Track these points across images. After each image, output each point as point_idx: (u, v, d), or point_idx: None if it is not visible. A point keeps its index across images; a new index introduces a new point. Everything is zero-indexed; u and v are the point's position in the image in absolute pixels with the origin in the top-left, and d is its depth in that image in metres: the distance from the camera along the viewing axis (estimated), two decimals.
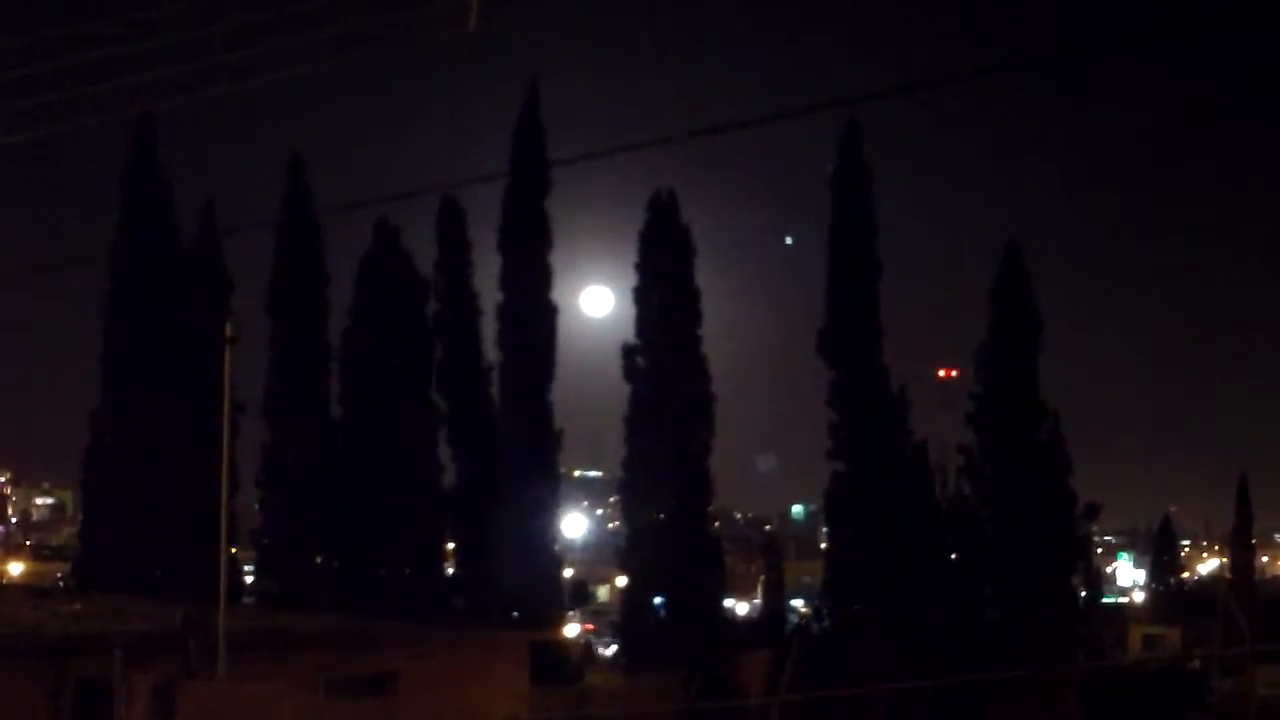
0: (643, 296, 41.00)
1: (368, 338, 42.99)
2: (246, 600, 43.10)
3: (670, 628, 39.59)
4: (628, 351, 40.89)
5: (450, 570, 42.98)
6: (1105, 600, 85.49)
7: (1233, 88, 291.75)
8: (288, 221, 43.65)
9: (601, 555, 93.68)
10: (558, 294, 42.06)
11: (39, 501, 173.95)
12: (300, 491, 42.76)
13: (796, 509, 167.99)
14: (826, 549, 43.76)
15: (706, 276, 42.18)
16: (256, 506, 45.03)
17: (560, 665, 39.03)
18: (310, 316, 44.21)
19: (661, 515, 39.98)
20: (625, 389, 40.98)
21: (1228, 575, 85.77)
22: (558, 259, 42.34)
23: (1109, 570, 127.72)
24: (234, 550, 41.58)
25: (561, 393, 42.21)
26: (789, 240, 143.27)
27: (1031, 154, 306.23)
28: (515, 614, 38.51)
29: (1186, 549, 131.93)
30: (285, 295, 43.86)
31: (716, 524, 43.93)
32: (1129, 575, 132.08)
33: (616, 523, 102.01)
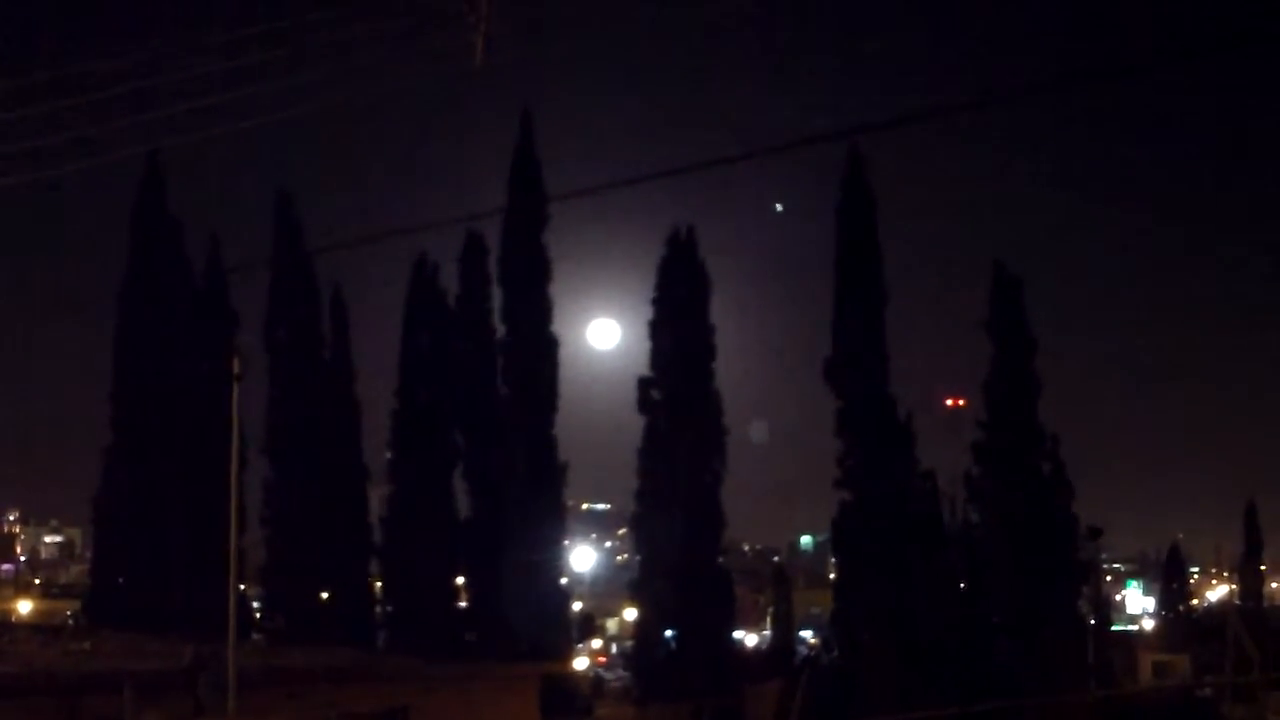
0: (659, 330, 41.09)
1: (355, 371, 43.59)
2: (255, 636, 43.12)
3: (680, 659, 39.54)
4: (643, 384, 40.96)
5: (462, 604, 43.03)
6: (1115, 628, 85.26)
7: (1231, 110, 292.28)
8: (277, 257, 43.80)
9: (610, 588, 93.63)
10: (564, 326, 42.22)
11: (48, 540, 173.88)
12: (304, 527, 42.90)
13: (805, 540, 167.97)
14: (835, 578, 43.68)
15: (714, 306, 42.34)
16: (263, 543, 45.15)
17: (570, 698, 39.01)
18: (304, 351, 44.39)
19: (673, 547, 39.95)
20: (632, 421, 41.07)
21: (1237, 602, 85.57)
22: (564, 291, 42.52)
23: (1118, 598, 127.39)
24: (242, 586, 41.64)
25: (567, 425, 42.31)
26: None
27: (1033, 178, 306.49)
28: (525, 647, 38.52)
29: (1196, 576, 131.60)
30: (279, 331, 44.12)
31: (724, 555, 43.89)
32: (1138, 603, 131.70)
33: (624, 555, 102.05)
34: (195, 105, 19.35)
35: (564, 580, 44.23)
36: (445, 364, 42.66)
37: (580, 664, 52.67)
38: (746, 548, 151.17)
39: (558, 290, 42.30)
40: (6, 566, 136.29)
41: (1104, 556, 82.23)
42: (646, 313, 41.34)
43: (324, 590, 43.66)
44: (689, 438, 40.16)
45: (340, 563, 42.84)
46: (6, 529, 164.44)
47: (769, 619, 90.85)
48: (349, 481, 43.81)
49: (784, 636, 77.37)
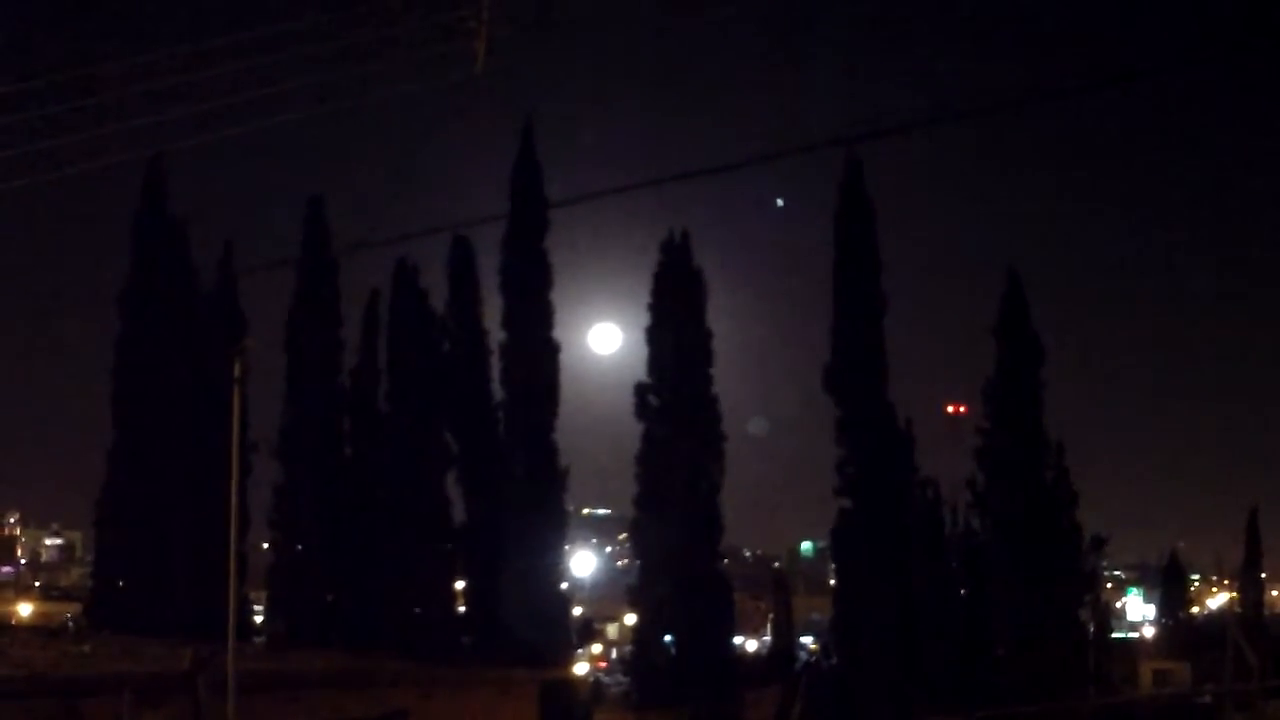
0: (655, 337, 41.10)
1: (381, 378, 43.26)
2: (257, 640, 43.12)
3: (680, 665, 39.55)
4: (640, 390, 40.98)
5: (461, 609, 42.98)
6: (1115, 635, 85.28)
7: (1235, 114, 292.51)
8: (305, 261, 43.81)
9: (610, 593, 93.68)
10: (566, 330, 42.13)
11: (48, 542, 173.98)
12: (311, 531, 42.85)
13: (805, 546, 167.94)
14: (835, 585, 43.71)
15: (714, 311, 42.34)
16: (266, 546, 45.10)
17: (570, 704, 39.00)
18: (324, 357, 44.32)
19: (672, 553, 39.97)
20: (634, 426, 41.10)
21: (1237, 610, 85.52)
22: (565, 295, 42.46)
23: (1119, 605, 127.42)
24: (246, 590, 41.64)
25: (569, 430, 42.30)
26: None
27: (1035, 183, 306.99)
28: (525, 652, 38.51)
29: (1197, 583, 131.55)
30: (300, 335, 44.02)
31: (725, 561, 43.87)
32: (1139, 610, 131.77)
33: (625, 560, 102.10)
34: (197, 110, 19.43)
35: (564, 585, 44.16)
36: (433, 368, 42.52)
37: (580, 669, 52.67)
38: (747, 553, 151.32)
39: (559, 294, 42.29)
40: (7, 569, 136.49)
41: (1105, 564, 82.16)
42: (647, 318, 41.40)
43: (329, 594, 43.60)
44: (687, 444, 40.19)
45: (345, 567, 42.79)
46: (7, 531, 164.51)
47: (769, 625, 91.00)
48: (359, 486, 43.65)
49: (784, 642, 77.42)
